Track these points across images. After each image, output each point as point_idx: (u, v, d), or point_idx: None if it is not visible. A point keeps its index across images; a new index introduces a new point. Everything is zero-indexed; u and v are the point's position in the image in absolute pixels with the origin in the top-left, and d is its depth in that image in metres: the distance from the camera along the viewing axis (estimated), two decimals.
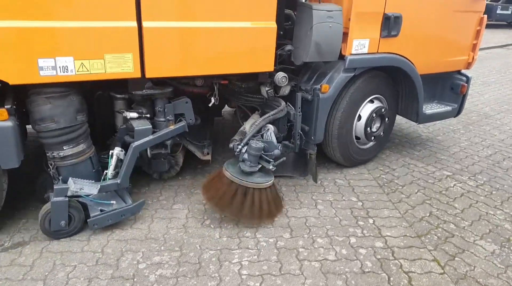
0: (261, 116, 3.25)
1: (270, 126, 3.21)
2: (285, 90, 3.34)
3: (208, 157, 3.43)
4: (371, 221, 2.99)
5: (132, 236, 2.72)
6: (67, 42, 2.35)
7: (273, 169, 2.95)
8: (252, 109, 3.63)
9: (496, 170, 3.92)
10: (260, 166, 2.93)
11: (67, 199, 2.57)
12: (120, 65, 2.51)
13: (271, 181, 2.92)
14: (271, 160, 2.96)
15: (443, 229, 2.91)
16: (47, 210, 2.56)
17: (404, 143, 4.51)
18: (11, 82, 2.30)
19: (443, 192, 3.45)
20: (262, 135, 3.15)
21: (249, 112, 3.63)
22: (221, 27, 2.72)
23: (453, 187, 3.55)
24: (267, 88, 3.21)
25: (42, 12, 2.26)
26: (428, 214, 3.10)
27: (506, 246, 2.73)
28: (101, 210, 2.73)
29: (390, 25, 3.32)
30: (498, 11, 17.20)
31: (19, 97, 2.62)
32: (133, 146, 2.80)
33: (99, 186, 2.70)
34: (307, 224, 2.91)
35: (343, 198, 3.31)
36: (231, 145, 3.14)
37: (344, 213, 3.07)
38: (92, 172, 2.83)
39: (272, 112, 3.19)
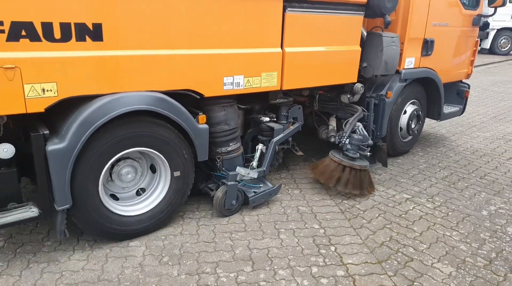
0: (336, 119, 4.39)
1: (359, 124, 4.11)
2: (357, 97, 4.29)
3: (301, 153, 4.30)
4: (333, 248, 2.98)
5: (84, 278, 2.56)
6: (242, 64, 3.17)
7: (368, 155, 3.95)
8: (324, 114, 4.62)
9: (452, 191, 4.05)
10: (357, 154, 3.86)
11: (237, 183, 3.30)
12: (269, 80, 3.36)
13: (368, 165, 3.90)
14: (366, 148, 3.92)
15: (402, 253, 2.94)
16: (223, 193, 3.26)
17: None
18: (206, 94, 3.06)
19: (403, 215, 3.52)
20: (354, 131, 4.02)
21: (323, 116, 4.58)
22: (331, 51, 3.76)
23: (412, 210, 3.63)
24: (348, 96, 4.24)
25: (228, 42, 3.06)
26: (388, 239, 3.13)
27: (462, 268, 2.78)
28: (254, 192, 3.46)
29: (427, 47, 4.53)
30: None
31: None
32: (274, 141, 3.67)
33: (257, 172, 3.44)
34: (269, 256, 2.86)
35: (306, 225, 3.29)
36: (332, 140, 4.15)
37: (306, 242, 3.05)
38: (242, 164, 3.55)
39: (357, 114, 4.15)
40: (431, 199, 3.85)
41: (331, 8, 3.56)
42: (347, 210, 3.59)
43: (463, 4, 4.81)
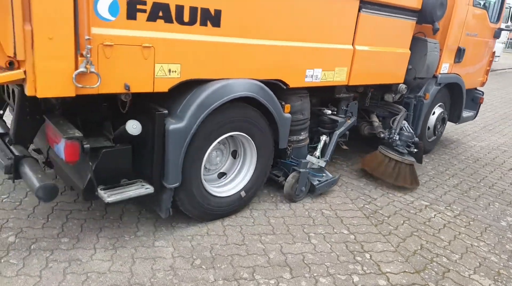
0: (377, 117, 4.61)
1: (405, 122, 4.46)
2: (396, 97, 4.54)
3: (346, 147, 4.39)
4: (367, 256, 2.90)
5: (113, 281, 2.33)
6: (321, 58, 3.34)
7: (414, 151, 4.24)
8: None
9: (466, 200, 4.09)
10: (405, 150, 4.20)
11: (307, 170, 3.46)
12: (340, 75, 3.54)
13: (414, 160, 4.18)
14: (412, 145, 4.25)
15: (437, 263, 2.91)
16: (296, 179, 3.41)
17: None
18: (291, 85, 3.21)
19: (427, 223, 3.50)
20: (401, 128, 4.32)
21: (363, 113, 4.71)
22: (389, 51, 4.01)
23: (434, 217, 3.62)
24: (393, 95, 4.48)
25: (313, 36, 3.22)
26: (419, 247, 3.09)
27: (499, 280, 2.78)
28: (318, 180, 3.65)
29: (460, 54, 4.85)
30: None
31: None
32: (337, 133, 3.90)
33: (324, 161, 3.66)
34: (305, 262, 2.73)
35: (334, 230, 3.19)
36: (382, 135, 4.37)
37: (339, 248, 2.95)
38: (306, 153, 3.67)
39: (402, 113, 4.45)
40: (449, 207, 3.86)
41: (394, 12, 3.83)
42: (371, 215, 3.52)
43: (489, 17, 5.22)
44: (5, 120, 3.26)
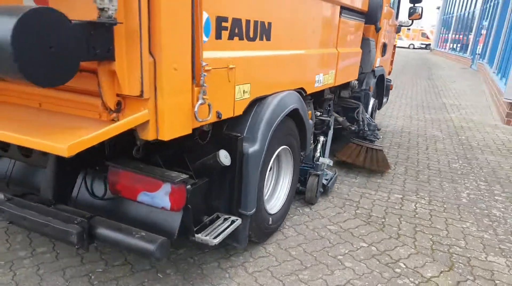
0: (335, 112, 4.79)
1: (366, 114, 4.96)
2: (350, 92, 4.93)
3: None
4: (402, 265, 2.84)
5: None
6: (323, 63, 3.49)
7: (379, 138, 5.01)
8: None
9: (424, 185, 4.46)
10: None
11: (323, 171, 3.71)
12: (331, 78, 3.74)
13: (382, 147, 4.79)
14: (376, 133, 4.86)
15: (456, 254, 3.04)
16: (316, 182, 3.57)
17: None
18: (308, 92, 3.27)
19: (417, 216, 3.66)
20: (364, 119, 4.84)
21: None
22: (352, 51, 4.32)
23: (417, 208, 3.81)
24: (349, 91, 4.86)
25: (319, 43, 3.38)
26: (432, 243, 3.18)
27: (506, 256, 3.05)
28: (326, 180, 3.82)
29: (385, 49, 5.61)
30: None
31: None
32: (331, 132, 4.22)
33: (331, 160, 3.79)
34: None
35: (354, 246, 3.04)
36: (352, 128, 4.78)
37: (374, 264, 2.81)
38: (311, 156, 3.78)
39: (361, 106, 4.86)
40: (418, 196, 4.14)
41: (355, 15, 4.16)
42: (370, 220, 3.50)
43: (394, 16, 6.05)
44: None
